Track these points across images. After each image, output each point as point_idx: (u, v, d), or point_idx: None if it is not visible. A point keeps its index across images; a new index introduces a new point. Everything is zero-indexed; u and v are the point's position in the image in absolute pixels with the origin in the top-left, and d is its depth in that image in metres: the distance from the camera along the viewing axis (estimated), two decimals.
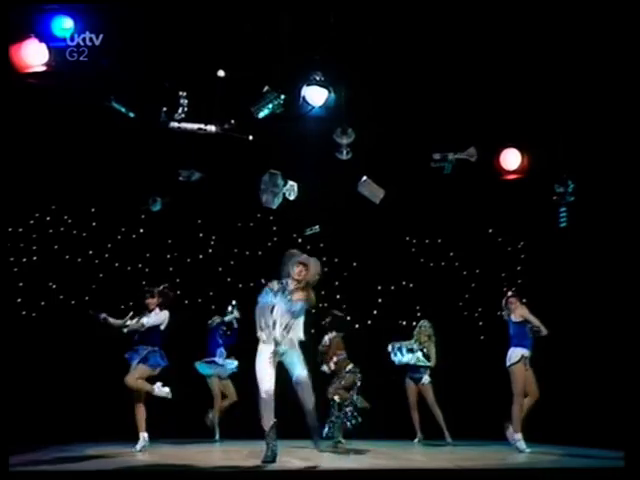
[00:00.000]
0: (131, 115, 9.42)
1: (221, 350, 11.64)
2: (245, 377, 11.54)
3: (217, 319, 11.77)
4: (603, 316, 10.25)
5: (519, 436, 9.34)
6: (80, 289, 12.27)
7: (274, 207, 10.60)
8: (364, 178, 10.69)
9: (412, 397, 11.39)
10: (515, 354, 9.51)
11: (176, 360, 11.34)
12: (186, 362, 11.50)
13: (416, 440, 11.30)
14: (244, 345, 11.62)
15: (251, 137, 10.08)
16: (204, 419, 11.51)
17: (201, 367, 11.59)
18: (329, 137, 10.48)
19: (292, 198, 10.74)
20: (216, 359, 11.56)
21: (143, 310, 9.58)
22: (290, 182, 10.67)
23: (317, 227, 11.61)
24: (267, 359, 7.81)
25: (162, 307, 9.58)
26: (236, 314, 11.77)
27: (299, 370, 7.88)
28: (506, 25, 9.44)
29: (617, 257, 9.63)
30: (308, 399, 7.94)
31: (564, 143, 10.50)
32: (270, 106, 9.45)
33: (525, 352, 9.49)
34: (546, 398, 9.53)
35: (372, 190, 10.61)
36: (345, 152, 10.01)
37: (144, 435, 9.36)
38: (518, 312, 9.65)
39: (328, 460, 8.50)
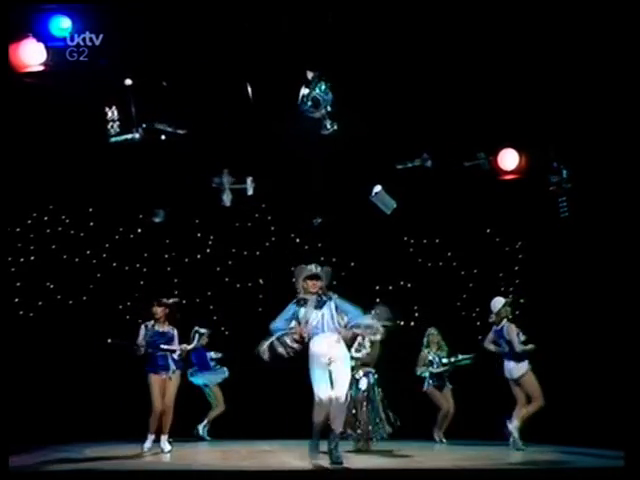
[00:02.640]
0: (180, 132, 9.54)
1: (210, 356, 11.60)
2: (241, 381, 11.68)
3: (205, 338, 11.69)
4: (602, 316, 10.26)
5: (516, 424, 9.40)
6: (78, 289, 12.27)
7: (227, 205, 10.66)
8: (378, 189, 10.73)
9: (443, 401, 11.36)
10: (521, 366, 9.55)
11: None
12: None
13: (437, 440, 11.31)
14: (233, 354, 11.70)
15: (161, 138, 10.05)
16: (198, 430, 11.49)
17: (196, 379, 11.52)
18: (327, 137, 10.50)
19: (250, 193, 10.78)
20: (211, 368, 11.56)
21: (148, 317, 9.51)
22: (248, 178, 10.69)
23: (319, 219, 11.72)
24: (320, 367, 7.71)
25: (169, 320, 9.51)
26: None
27: (337, 390, 7.69)
28: (504, 26, 9.44)
29: (615, 257, 9.64)
30: (336, 421, 7.79)
31: (561, 142, 10.52)
32: (317, 90, 9.40)
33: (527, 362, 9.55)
34: (546, 398, 9.53)
35: (385, 201, 10.67)
36: (328, 124, 9.84)
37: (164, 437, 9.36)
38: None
39: (327, 460, 8.48)
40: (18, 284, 11.77)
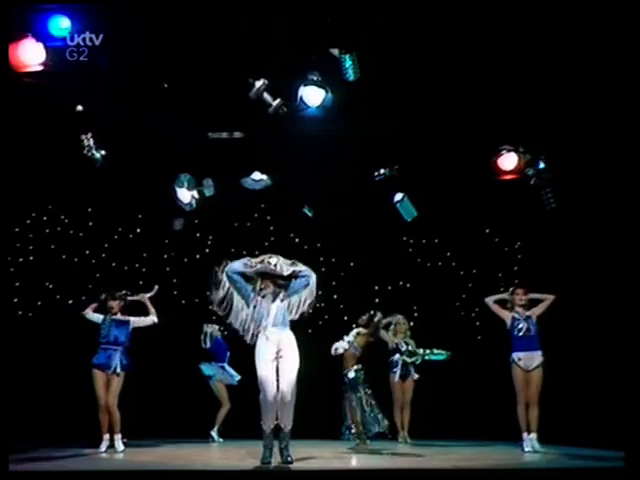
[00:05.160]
0: (237, 136, 9.70)
1: (228, 355, 11.61)
2: (240, 381, 11.66)
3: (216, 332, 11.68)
4: (602, 316, 10.26)
5: (524, 435, 9.39)
6: (77, 289, 12.24)
7: (187, 209, 10.80)
8: (400, 196, 10.80)
9: (399, 394, 11.38)
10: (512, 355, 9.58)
11: (174, 361, 11.41)
12: (184, 363, 11.51)
13: (400, 440, 11.26)
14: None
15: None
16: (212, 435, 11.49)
17: (205, 368, 11.52)
18: (326, 137, 10.52)
19: (208, 194, 10.82)
20: (225, 365, 11.55)
21: (105, 311, 9.68)
22: (206, 179, 10.76)
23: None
24: (268, 362, 7.72)
25: (124, 311, 9.69)
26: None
27: (282, 387, 7.69)
28: (505, 26, 9.45)
29: (616, 257, 9.64)
30: (284, 419, 7.75)
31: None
32: (349, 63, 9.34)
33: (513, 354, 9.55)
34: (546, 398, 9.53)
35: (407, 209, 10.77)
36: (270, 100, 9.74)
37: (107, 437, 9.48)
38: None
39: (327, 460, 8.50)
40: (17, 284, 11.77)
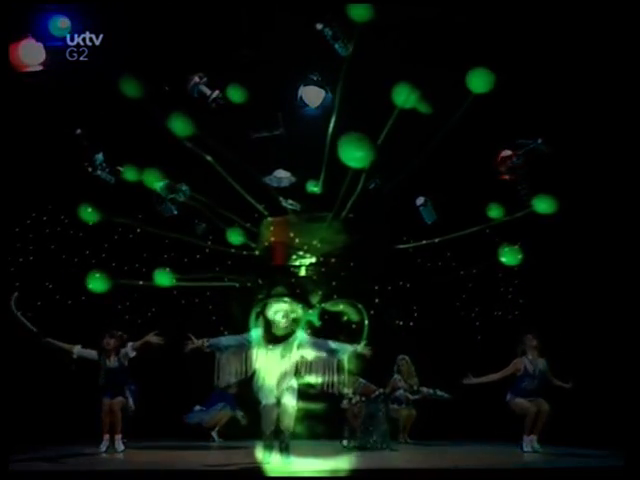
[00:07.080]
0: (276, 133, 9.76)
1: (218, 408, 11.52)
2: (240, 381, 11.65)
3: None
4: (602, 316, 10.27)
5: (524, 436, 9.40)
6: (77, 289, 12.22)
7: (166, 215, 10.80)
8: (421, 200, 10.84)
9: (401, 411, 11.37)
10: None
11: (174, 361, 11.37)
12: (183, 363, 11.49)
13: (400, 440, 11.23)
14: None
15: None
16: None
17: (191, 418, 11.39)
18: (326, 136, 10.51)
19: (182, 200, 10.81)
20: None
21: (100, 350, 9.79)
22: (181, 184, 10.75)
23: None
24: (271, 375, 7.96)
25: (117, 352, 9.74)
26: None
27: (287, 398, 7.88)
28: (506, 27, 9.48)
29: (616, 259, 9.66)
30: (285, 421, 7.91)
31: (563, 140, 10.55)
32: (330, 37, 9.32)
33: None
34: (546, 398, 9.54)
35: (429, 213, 10.83)
36: (207, 92, 9.71)
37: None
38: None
39: (327, 460, 8.50)
40: (17, 284, 11.74)
